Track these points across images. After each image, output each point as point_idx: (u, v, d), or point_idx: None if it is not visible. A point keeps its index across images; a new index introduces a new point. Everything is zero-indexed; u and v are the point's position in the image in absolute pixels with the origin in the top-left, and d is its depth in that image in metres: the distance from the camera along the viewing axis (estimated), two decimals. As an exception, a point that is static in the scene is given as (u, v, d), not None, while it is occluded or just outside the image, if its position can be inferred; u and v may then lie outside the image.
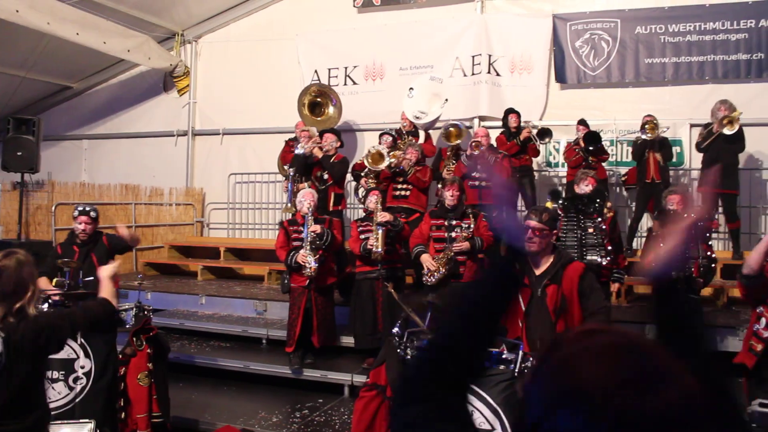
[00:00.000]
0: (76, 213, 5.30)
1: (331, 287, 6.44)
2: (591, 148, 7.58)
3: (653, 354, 0.88)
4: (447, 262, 5.64)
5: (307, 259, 5.94)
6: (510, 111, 8.22)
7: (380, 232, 6.03)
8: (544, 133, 8.15)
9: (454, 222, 5.78)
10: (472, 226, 5.75)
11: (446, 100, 8.75)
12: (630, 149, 8.23)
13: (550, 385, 0.90)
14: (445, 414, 1.15)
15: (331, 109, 9.17)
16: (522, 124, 8.13)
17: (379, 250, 5.97)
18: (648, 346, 0.90)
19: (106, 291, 3.21)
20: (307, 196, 6.23)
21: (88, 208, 5.31)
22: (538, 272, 3.88)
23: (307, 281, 6.02)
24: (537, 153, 8.28)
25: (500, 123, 9.29)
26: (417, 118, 8.50)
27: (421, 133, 8.53)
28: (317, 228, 6.03)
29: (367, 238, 6.07)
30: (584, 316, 3.74)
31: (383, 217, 6.06)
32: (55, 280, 4.90)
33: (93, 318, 3.06)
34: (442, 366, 1.22)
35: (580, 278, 3.75)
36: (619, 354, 0.87)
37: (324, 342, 6.19)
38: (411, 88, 8.92)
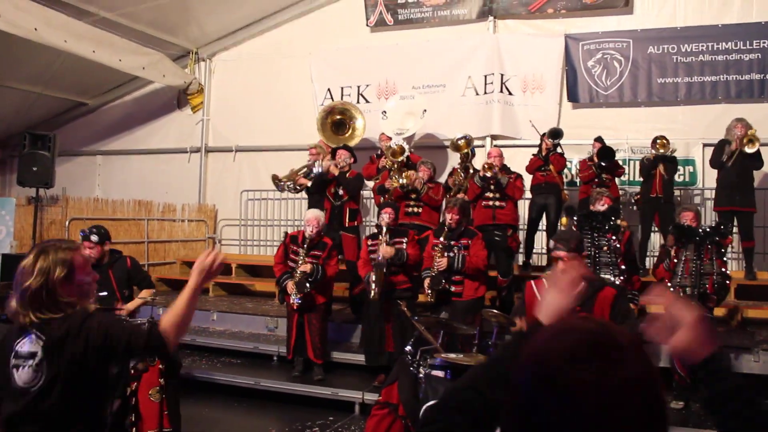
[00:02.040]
0: (80, 239, 5.13)
1: (324, 305, 6.49)
2: (604, 163, 7.56)
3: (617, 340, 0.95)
4: (431, 279, 5.83)
5: (291, 295, 6.12)
6: (554, 135, 7.89)
7: (373, 276, 6.02)
8: (555, 134, 7.88)
9: (452, 242, 5.89)
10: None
11: (425, 111, 8.93)
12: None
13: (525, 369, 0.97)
14: None
15: (359, 122, 9.23)
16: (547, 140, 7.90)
17: (373, 293, 6.02)
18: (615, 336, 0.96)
19: (184, 297, 2.21)
20: (311, 222, 6.24)
21: (93, 230, 5.10)
22: None
23: None
24: (561, 163, 7.93)
25: (512, 142, 9.36)
26: (398, 134, 8.57)
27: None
28: (307, 268, 6.11)
29: (370, 275, 6.08)
30: None
31: (385, 252, 6.02)
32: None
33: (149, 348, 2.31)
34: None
35: (611, 305, 3.59)
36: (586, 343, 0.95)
37: (317, 357, 6.36)
38: (384, 111, 9.22)
